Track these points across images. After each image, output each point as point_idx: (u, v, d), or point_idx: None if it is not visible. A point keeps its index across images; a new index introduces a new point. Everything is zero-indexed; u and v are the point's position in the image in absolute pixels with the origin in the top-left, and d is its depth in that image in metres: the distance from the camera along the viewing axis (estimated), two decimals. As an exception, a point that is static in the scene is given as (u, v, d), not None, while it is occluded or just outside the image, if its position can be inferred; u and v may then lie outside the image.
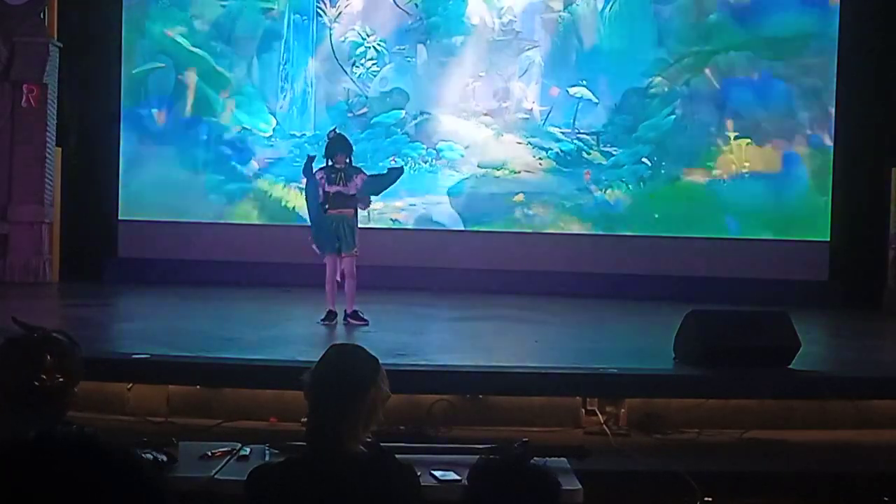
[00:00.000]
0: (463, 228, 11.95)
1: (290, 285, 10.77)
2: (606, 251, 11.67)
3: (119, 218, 11.89)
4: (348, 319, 8.01)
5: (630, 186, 12.06)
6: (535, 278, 11.33)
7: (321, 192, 7.99)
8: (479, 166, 12.22)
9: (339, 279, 8.08)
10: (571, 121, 12.11)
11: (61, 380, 2.94)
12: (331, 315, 8.02)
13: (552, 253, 11.65)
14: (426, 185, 12.00)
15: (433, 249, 11.48)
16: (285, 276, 11.10)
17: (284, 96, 12.29)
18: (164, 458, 3.59)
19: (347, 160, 8.04)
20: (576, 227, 12.08)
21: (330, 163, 8.02)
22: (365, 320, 8.00)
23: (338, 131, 8.25)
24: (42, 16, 11.23)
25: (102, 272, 11.55)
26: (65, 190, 11.57)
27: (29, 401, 2.88)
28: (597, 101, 12.09)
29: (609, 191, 12.09)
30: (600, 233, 11.96)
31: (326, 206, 7.96)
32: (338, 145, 8.04)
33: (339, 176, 7.96)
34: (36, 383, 2.90)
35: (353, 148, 8.20)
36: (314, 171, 8.15)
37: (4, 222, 11.08)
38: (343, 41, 12.29)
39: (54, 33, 11.35)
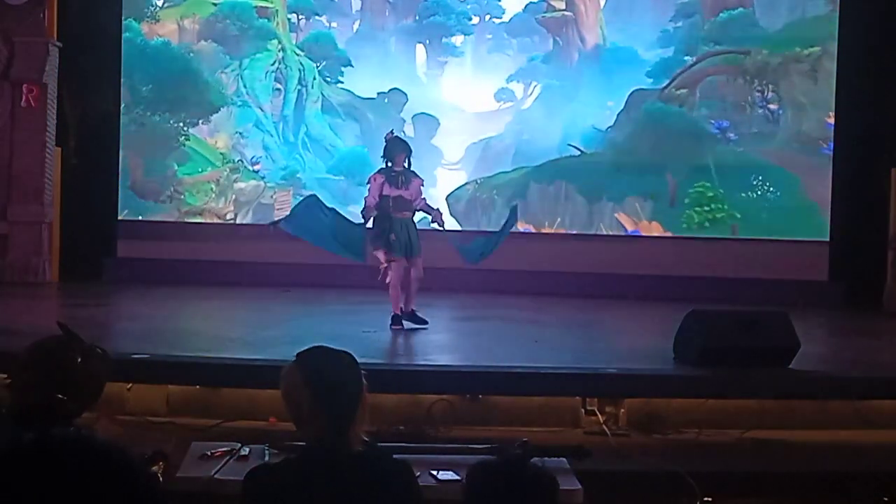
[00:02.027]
0: (462, 229, 11.90)
1: (290, 285, 10.77)
2: (607, 251, 11.64)
3: (119, 218, 11.89)
4: (405, 322, 7.87)
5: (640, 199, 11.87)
6: (535, 278, 11.32)
7: (378, 196, 7.80)
8: (478, 171, 12.11)
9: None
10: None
11: (72, 404, 2.78)
12: (397, 319, 7.89)
13: (552, 253, 11.63)
14: (425, 188, 11.86)
15: (433, 249, 11.45)
16: (285, 276, 11.10)
17: (278, 96, 12.17)
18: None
19: (406, 162, 7.88)
20: (571, 219, 11.98)
21: (389, 165, 7.85)
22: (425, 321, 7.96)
23: (394, 133, 8.12)
24: (42, 16, 11.22)
25: (102, 272, 11.55)
26: (65, 190, 11.56)
27: (33, 416, 2.69)
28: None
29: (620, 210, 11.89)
30: (601, 233, 11.92)
31: (390, 207, 7.80)
32: (397, 147, 7.88)
33: (400, 179, 7.80)
34: (51, 402, 2.75)
35: (412, 149, 8.02)
36: (373, 174, 8.00)
37: (4, 222, 11.08)
38: (339, 41, 12.20)
39: (54, 33, 11.33)
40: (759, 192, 11.74)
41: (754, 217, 11.68)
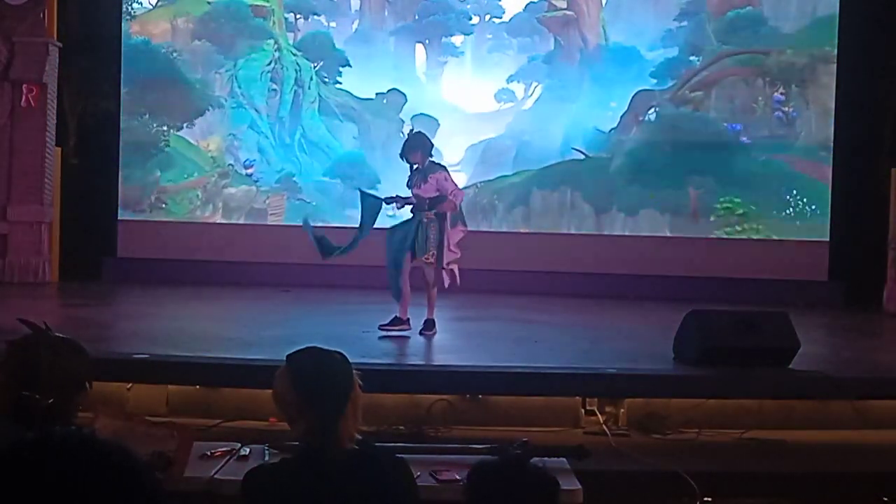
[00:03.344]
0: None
1: (290, 285, 10.77)
2: (606, 251, 11.62)
3: (119, 218, 11.89)
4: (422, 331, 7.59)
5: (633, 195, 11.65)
6: (535, 278, 11.31)
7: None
8: (478, 172, 11.97)
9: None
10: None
11: (51, 400, 2.79)
12: (397, 321, 7.56)
13: (552, 253, 11.62)
14: None
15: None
16: (285, 276, 11.09)
17: (273, 97, 12.00)
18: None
19: (426, 158, 7.51)
20: (578, 230, 11.92)
21: (411, 164, 7.55)
22: (431, 331, 7.57)
23: (414, 130, 7.90)
24: (42, 16, 11.23)
25: (102, 272, 11.55)
26: (65, 190, 11.57)
27: (14, 415, 2.76)
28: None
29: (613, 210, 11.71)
30: (600, 233, 11.88)
31: (414, 210, 7.57)
32: (406, 145, 7.57)
33: (415, 178, 7.52)
34: (22, 400, 2.77)
35: (432, 145, 7.68)
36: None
37: (4, 222, 11.08)
38: (338, 40, 12.09)
39: (54, 33, 11.34)
40: (796, 209, 11.44)
41: (789, 232, 11.45)
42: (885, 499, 5.10)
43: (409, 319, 7.65)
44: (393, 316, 7.64)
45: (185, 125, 11.95)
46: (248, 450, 4.01)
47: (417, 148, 7.56)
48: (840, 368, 6.92)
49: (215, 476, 3.69)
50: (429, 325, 7.64)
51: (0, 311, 8.31)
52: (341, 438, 2.81)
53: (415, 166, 7.57)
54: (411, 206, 7.69)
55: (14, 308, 8.70)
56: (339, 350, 2.99)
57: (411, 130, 7.87)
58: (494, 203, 11.93)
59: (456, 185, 7.67)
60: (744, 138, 11.63)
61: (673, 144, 11.66)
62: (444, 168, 7.72)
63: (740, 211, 11.48)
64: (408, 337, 7.56)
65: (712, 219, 11.59)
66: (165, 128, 11.90)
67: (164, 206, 11.96)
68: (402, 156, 7.64)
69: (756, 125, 11.65)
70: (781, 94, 11.64)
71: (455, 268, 7.69)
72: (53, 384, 2.81)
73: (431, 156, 7.67)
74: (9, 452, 1.42)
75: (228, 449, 4.00)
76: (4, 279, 10.93)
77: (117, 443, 1.47)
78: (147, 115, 11.89)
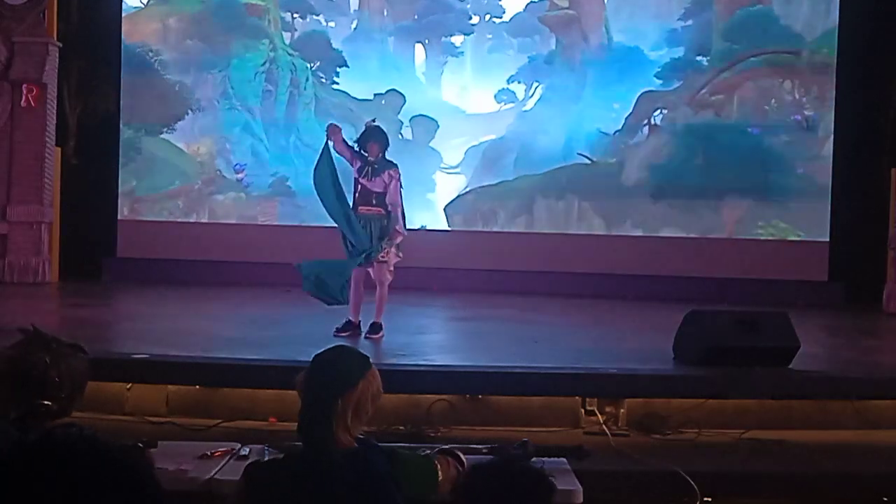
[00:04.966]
0: (463, 229, 11.84)
1: (290, 285, 10.76)
2: (606, 251, 11.61)
3: (119, 218, 11.89)
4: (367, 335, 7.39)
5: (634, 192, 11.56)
6: (535, 278, 11.32)
7: (354, 184, 7.39)
8: (478, 174, 11.90)
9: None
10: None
11: (54, 406, 2.75)
12: (348, 325, 7.43)
13: (552, 253, 11.62)
14: (423, 193, 11.48)
15: (433, 249, 11.41)
16: (285, 276, 11.07)
17: (269, 98, 11.87)
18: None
19: (381, 153, 7.37)
20: (577, 230, 11.87)
21: (364, 153, 7.38)
22: (379, 334, 7.39)
23: (375, 121, 7.80)
24: (42, 16, 11.23)
25: (102, 272, 11.56)
26: (64, 190, 11.57)
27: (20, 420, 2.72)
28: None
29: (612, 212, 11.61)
30: (600, 233, 11.86)
31: (356, 202, 7.36)
32: (371, 134, 7.41)
33: (369, 169, 7.33)
34: (34, 409, 2.73)
35: (389, 143, 7.52)
36: (349, 144, 7.44)
37: (4, 222, 11.09)
38: (335, 40, 12.02)
39: (54, 33, 11.35)
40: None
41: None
42: (886, 499, 5.10)
43: (360, 323, 7.51)
44: (345, 320, 7.50)
45: (164, 129, 11.79)
46: (248, 450, 4.00)
47: (378, 142, 7.40)
48: (840, 368, 6.92)
49: (215, 476, 3.69)
50: (375, 329, 7.42)
51: (0, 311, 8.33)
52: (331, 435, 2.77)
53: (369, 157, 7.39)
54: (355, 196, 7.40)
55: (14, 308, 8.71)
56: (358, 352, 2.97)
57: (371, 121, 7.74)
58: (496, 210, 11.83)
59: (400, 191, 7.44)
60: (767, 143, 11.43)
61: (695, 154, 11.49)
62: (397, 167, 7.48)
63: (791, 237, 11.25)
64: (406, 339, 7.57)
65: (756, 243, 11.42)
66: (143, 132, 11.77)
67: (139, 217, 11.84)
68: (358, 142, 7.46)
69: (781, 129, 11.46)
70: (816, 97, 11.41)
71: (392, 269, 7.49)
72: (63, 387, 2.78)
73: (386, 151, 7.50)
74: (12, 452, 1.42)
75: (228, 449, 4.00)
76: (4, 279, 10.94)
77: (118, 442, 1.47)
78: (130, 118, 11.77)
